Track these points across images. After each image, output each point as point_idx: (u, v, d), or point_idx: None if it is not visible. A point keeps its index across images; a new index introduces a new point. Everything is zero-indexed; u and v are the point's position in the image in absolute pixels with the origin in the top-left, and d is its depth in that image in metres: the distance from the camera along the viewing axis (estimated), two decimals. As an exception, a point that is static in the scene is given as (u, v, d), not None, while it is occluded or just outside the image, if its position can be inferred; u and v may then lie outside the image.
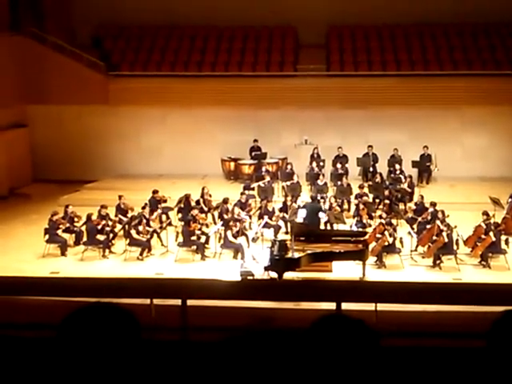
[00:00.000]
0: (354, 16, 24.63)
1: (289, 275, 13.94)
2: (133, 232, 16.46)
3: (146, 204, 17.87)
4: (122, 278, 12.37)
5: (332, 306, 6.14)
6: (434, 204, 17.24)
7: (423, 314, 7.15)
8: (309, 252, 14.43)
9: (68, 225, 17.17)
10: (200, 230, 16.81)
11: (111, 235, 17.01)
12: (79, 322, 2.01)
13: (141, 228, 16.61)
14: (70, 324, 2.01)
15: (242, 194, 18.85)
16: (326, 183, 20.31)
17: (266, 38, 25.47)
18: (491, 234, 15.53)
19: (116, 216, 17.94)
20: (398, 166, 21.30)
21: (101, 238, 16.66)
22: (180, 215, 18.52)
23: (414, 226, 16.85)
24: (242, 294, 6.31)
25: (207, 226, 17.87)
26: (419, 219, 17.05)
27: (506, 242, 16.19)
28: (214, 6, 24.84)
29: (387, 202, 18.67)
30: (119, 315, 2.05)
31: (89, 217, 16.84)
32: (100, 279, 9.84)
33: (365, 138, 22.91)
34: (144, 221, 16.88)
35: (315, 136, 22.67)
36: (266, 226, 17.31)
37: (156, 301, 6.45)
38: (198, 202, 18.67)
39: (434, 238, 15.63)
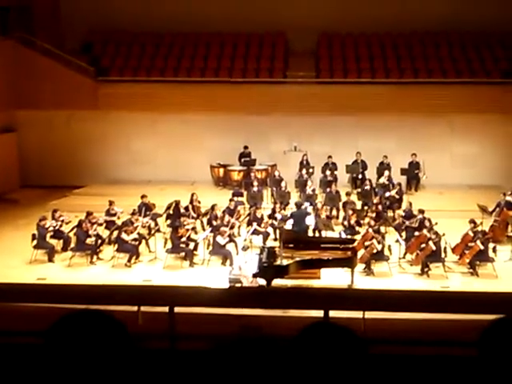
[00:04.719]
0: (344, 24, 24.76)
1: (277, 282, 13.92)
2: (124, 235, 16.37)
3: (134, 210, 17.80)
4: (110, 284, 12.33)
5: (320, 313, 6.13)
6: (422, 211, 17.32)
7: (411, 321, 7.15)
8: (297, 259, 14.42)
9: (56, 225, 16.97)
10: (188, 236, 16.77)
11: (99, 241, 16.94)
12: (67, 329, 2.00)
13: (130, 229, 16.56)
14: (57, 331, 2.00)
15: (230, 200, 18.82)
16: (314, 190, 20.33)
17: (255, 44, 25.50)
18: (479, 241, 15.58)
19: (105, 222, 17.90)
20: (386, 173, 21.35)
21: (89, 243, 16.56)
22: (169, 221, 18.46)
23: (403, 234, 16.91)
24: (230, 302, 6.28)
25: (196, 232, 17.84)
26: (407, 223, 17.21)
27: (494, 249, 16.25)
28: (203, 13, 24.86)
29: (376, 209, 18.70)
30: (107, 322, 2.03)
31: (79, 223, 16.75)
32: (87, 286, 9.79)
33: (354, 145, 22.97)
34: (132, 224, 16.83)
35: (304, 143, 22.72)
36: (255, 232, 17.29)
37: (143, 308, 6.42)
38: (186, 209, 18.62)
39: (423, 245, 15.67)
